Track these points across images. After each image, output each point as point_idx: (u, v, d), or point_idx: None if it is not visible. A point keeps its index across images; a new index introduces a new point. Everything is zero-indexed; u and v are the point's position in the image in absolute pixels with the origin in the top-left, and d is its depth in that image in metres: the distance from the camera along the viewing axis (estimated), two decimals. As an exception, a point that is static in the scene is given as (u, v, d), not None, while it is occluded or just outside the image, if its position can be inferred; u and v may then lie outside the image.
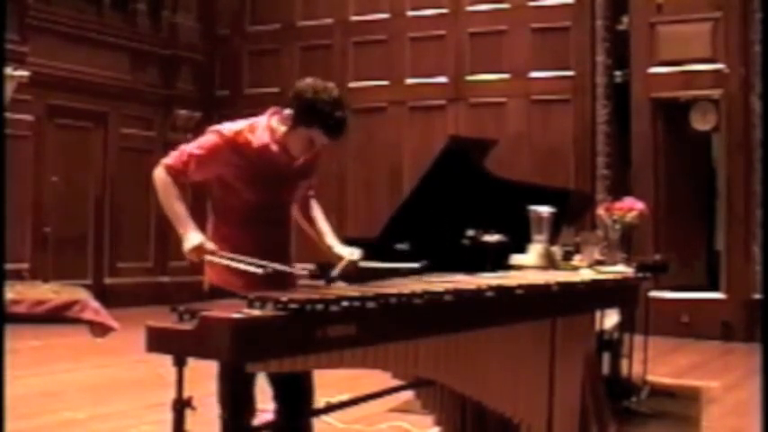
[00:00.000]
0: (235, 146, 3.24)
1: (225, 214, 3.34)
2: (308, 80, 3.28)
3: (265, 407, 3.36)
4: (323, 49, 12.06)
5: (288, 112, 3.25)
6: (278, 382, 3.30)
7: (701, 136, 10.46)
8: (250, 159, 3.25)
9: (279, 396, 3.37)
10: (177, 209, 3.26)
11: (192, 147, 3.31)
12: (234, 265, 3.17)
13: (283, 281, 3.18)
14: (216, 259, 3.21)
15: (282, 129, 3.29)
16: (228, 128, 3.30)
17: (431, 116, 11.43)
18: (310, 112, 3.20)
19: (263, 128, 3.30)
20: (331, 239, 3.54)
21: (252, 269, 3.09)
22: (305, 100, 3.21)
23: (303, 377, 3.33)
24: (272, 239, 3.34)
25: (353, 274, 3.38)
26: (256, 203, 3.29)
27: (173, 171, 3.29)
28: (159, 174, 3.31)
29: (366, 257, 3.51)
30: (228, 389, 3.02)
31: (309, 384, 3.40)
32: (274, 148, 3.28)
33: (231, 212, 3.32)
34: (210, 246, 3.20)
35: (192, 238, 3.19)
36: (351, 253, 3.45)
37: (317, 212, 3.62)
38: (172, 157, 3.32)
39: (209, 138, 3.30)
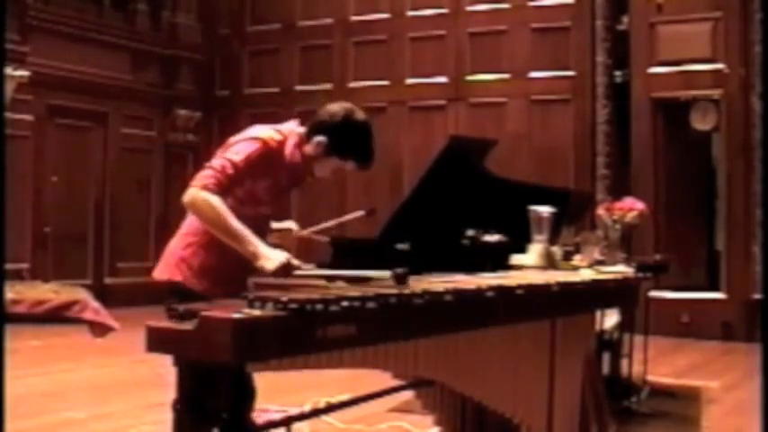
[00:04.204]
0: (276, 157, 3.12)
1: None
2: (338, 108, 3.18)
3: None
4: (323, 49, 12.06)
5: (319, 139, 3.13)
6: None
7: (701, 136, 10.46)
8: (282, 173, 3.17)
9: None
10: (238, 227, 2.97)
11: (234, 158, 3.04)
12: (326, 274, 3.16)
13: (243, 284, 3.13)
14: (309, 273, 3.06)
15: (311, 153, 3.17)
16: (269, 136, 3.14)
17: (431, 116, 11.43)
18: (347, 145, 3.14)
19: (293, 145, 3.18)
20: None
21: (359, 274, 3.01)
22: (341, 132, 3.12)
23: (245, 379, 3.15)
24: None
25: (292, 245, 3.35)
26: (267, 216, 3.25)
27: (220, 189, 2.98)
28: (202, 196, 2.96)
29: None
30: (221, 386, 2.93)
31: (252, 386, 3.27)
32: (301, 169, 3.22)
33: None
34: (297, 261, 3.02)
35: (275, 254, 2.98)
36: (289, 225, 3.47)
37: None
38: (211, 176, 2.99)
39: (251, 146, 3.08)
